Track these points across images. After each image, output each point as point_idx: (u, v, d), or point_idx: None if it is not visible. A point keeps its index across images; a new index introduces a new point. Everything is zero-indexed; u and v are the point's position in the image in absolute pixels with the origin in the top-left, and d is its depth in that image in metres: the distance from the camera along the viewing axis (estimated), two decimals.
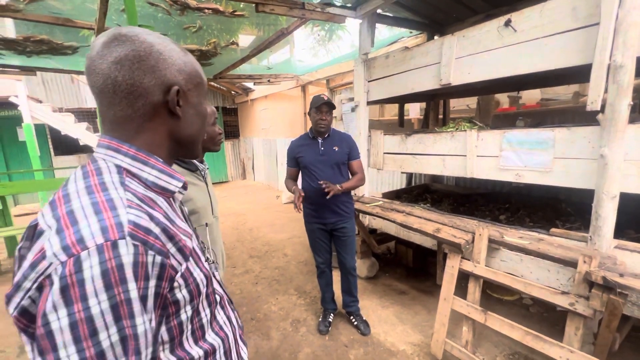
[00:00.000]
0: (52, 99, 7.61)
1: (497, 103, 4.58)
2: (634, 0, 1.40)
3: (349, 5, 2.86)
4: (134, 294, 0.43)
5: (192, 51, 3.69)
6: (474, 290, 1.90)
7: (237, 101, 9.71)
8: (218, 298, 0.69)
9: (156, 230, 0.49)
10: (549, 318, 2.49)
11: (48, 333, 0.39)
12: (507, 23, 1.92)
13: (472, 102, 4.54)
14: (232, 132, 10.02)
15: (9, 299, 0.44)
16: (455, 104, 5.03)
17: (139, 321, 0.44)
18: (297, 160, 2.29)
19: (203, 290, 0.60)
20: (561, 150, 1.77)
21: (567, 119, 3.20)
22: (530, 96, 4.40)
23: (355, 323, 2.49)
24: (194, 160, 1.24)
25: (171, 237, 0.52)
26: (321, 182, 2.05)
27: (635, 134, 1.48)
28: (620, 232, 2.07)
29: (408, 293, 2.99)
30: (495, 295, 2.81)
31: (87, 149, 7.61)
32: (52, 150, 7.81)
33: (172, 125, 0.60)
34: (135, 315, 0.43)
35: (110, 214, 0.46)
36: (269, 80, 6.16)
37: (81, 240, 0.42)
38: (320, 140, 2.23)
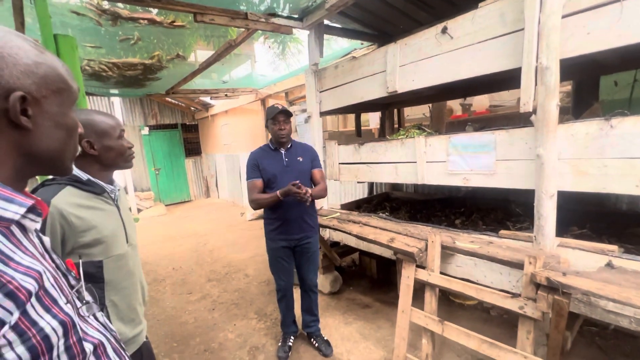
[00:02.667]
0: None
1: (450, 110, 4.76)
2: (552, 6, 1.45)
3: (295, 16, 2.82)
4: None
5: (134, 65, 3.48)
6: (430, 300, 1.84)
7: (197, 117, 9.40)
8: (90, 348, 0.54)
9: None
10: (508, 320, 2.50)
11: None
12: (444, 30, 1.96)
13: (427, 110, 4.68)
14: (194, 149, 9.64)
15: None
16: (411, 112, 5.16)
17: None
18: (260, 171, 2.06)
19: (57, 342, 0.47)
20: (502, 152, 1.79)
21: (514, 124, 3.35)
22: (481, 103, 4.64)
23: (317, 345, 2.34)
24: (98, 181, 1.07)
25: None
26: (296, 182, 1.86)
27: (565, 134, 1.52)
28: (565, 229, 2.13)
29: (372, 306, 2.90)
30: (457, 301, 2.80)
31: None
32: None
33: (17, 138, 0.49)
34: None
35: None
36: (226, 95, 6.00)
37: None
38: (282, 152, 2.10)
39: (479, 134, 1.91)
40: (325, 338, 2.38)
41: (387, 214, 2.98)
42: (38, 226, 0.58)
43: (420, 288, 1.95)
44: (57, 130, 0.53)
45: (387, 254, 2.57)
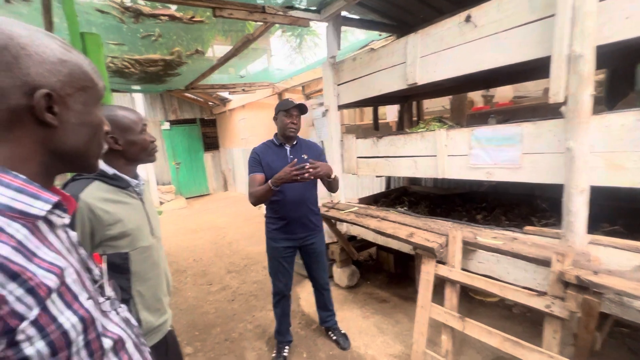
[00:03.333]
0: None
1: (471, 102, 4.61)
2: None
3: (312, 8, 2.79)
4: None
5: (155, 61, 3.55)
6: (450, 296, 1.81)
7: (215, 112, 9.54)
8: (110, 343, 0.56)
9: None
10: (531, 318, 2.43)
11: None
12: (467, 19, 1.88)
13: (447, 102, 4.55)
14: (212, 143, 9.81)
15: None
16: (431, 105, 5.04)
17: None
18: (262, 167, 1.98)
19: (76, 338, 0.48)
20: (529, 145, 1.72)
21: (540, 115, 3.21)
22: (503, 94, 4.46)
23: (334, 338, 2.36)
24: (124, 176, 1.10)
25: (14, 276, 0.41)
26: (311, 162, 1.69)
27: (599, 125, 1.44)
28: (596, 225, 2.03)
29: (389, 301, 2.88)
30: (478, 297, 2.74)
31: None
32: None
33: (44, 135, 0.50)
34: None
35: None
36: (243, 89, 6.05)
37: None
38: (287, 148, 2.04)
39: (503, 126, 1.84)
40: (342, 331, 2.39)
41: (405, 208, 2.94)
42: (66, 221, 0.59)
43: (439, 284, 1.92)
44: (82, 127, 0.54)
45: (405, 248, 2.54)
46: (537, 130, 1.68)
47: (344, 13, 2.95)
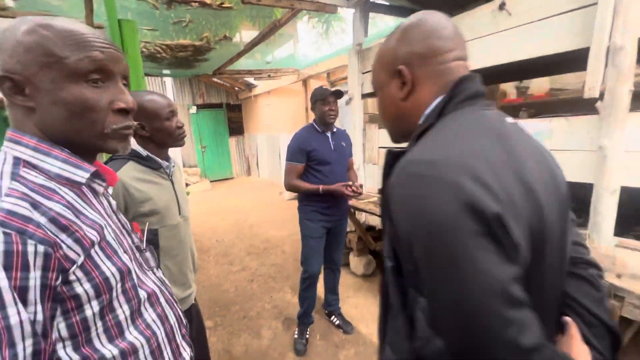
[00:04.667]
0: None
1: (503, 94, 4.41)
2: None
3: None
4: (3, 283, 0.42)
5: (185, 47, 3.65)
6: None
7: (241, 97, 9.69)
8: (144, 294, 0.64)
9: (40, 219, 0.47)
10: None
11: None
12: (502, 6, 1.80)
13: None
14: (237, 128, 10.01)
15: None
16: None
17: (11, 312, 0.42)
18: (308, 155, 2.00)
19: (115, 285, 0.56)
20: (559, 142, 1.65)
21: (577, 110, 3.04)
22: (539, 86, 4.21)
23: (337, 322, 2.44)
24: (156, 157, 1.18)
25: (64, 228, 0.49)
26: (347, 183, 1.92)
27: (636, 123, 1.36)
28: (628, 228, 1.94)
29: None
30: None
31: None
32: None
33: (33, 118, 0.53)
34: (6, 306, 0.42)
35: None
36: (269, 75, 6.10)
37: None
38: (329, 135, 2.08)
39: (533, 120, 1.77)
40: (344, 317, 2.47)
41: None
42: (109, 190, 0.68)
43: None
44: (57, 106, 0.52)
45: None
46: (569, 127, 1.60)
47: None
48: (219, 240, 4.60)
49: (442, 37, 0.59)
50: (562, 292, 0.61)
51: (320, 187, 1.96)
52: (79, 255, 0.51)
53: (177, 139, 1.22)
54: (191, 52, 3.89)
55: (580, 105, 1.51)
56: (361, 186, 1.97)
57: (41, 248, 0.45)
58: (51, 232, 0.48)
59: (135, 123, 0.64)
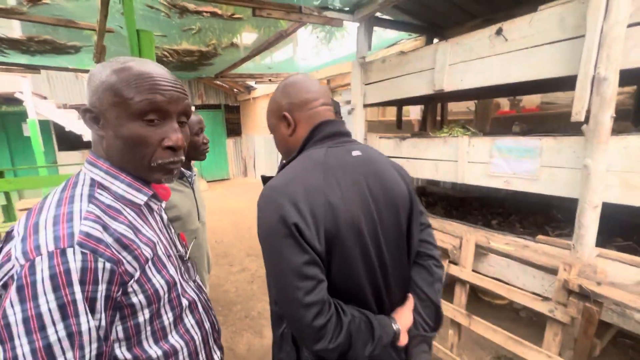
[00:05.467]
0: (56, 95, 7.71)
1: (497, 105, 4.58)
2: (618, 15, 1.42)
3: (346, 9, 2.88)
4: (79, 295, 0.49)
5: (192, 52, 3.74)
6: (460, 295, 1.94)
7: (240, 99, 9.76)
8: (186, 303, 0.73)
9: (108, 240, 0.55)
10: (537, 322, 2.52)
11: (6, 325, 0.47)
12: (499, 32, 1.95)
13: (472, 104, 4.55)
14: (234, 129, 10.07)
15: None
16: (455, 106, 5.05)
17: (82, 320, 0.50)
18: None
19: (163, 296, 0.65)
20: (548, 159, 1.80)
21: (565, 125, 3.21)
22: (531, 99, 4.40)
23: None
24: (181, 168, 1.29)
25: (125, 246, 0.58)
26: None
27: (618, 146, 1.51)
28: (609, 239, 2.10)
29: None
30: (486, 299, 2.85)
31: (90, 145, 7.70)
32: (56, 146, 7.93)
33: (102, 144, 0.64)
34: (79, 315, 0.50)
35: (65, 226, 0.52)
36: (270, 80, 6.20)
37: (37, 247, 0.50)
38: None
39: (524, 138, 1.91)
40: None
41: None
42: (162, 205, 0.78)
43: (449, 283, 2.04)
44: (116, 140, 0.61)
45: None
46: (558, 145, 1.75)
47: (377, 14, 3.02)
48: (218, 241, 4.67)
49: (310, 91, 0.84)
50: (408, 277, 0.89)
51: None
52: (136, 270, 0.59)
53: (201, 152, 1.33)
54: (197, 57, 3.98)
55: (569, 121, 1.64)
56: None
57: (108, 265, 0.53)
58: (116, 250, 0.56)
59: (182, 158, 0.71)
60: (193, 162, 1.48)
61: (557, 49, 1.68)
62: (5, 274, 0.49)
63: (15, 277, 0.48)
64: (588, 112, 1.55)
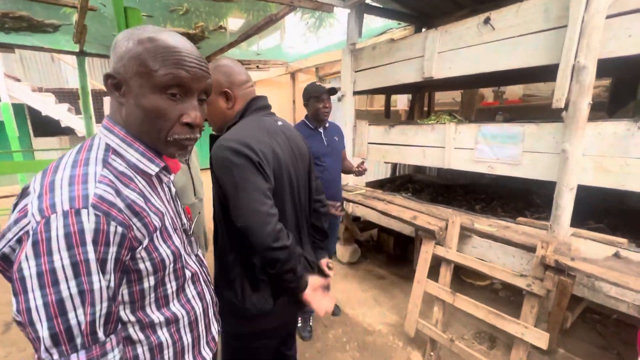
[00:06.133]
0: (30, 77, 7.35)
1: (481, 97, 4.71)
2: (598, 5, 1.49)
3: None
4: (91, 255, 0.51)
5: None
6: (445, 274, 2.03)
7: None
8: (189, 274, 0.75)
9: (121, 204, 0.57)
10: (515, 301, 2.68)
11: (21, 278, 0.48)
12: (487, 21, 2.00)
13: (457, 95, 4.65)
14: None
15: None
16: (441, 96, 5.15)
17: (95, 279, 0.52)
18: None
19: (169, 265, 0.67)
20: (529, 144, 1.89)
21: (547, 115, 3.35)
22: (514, 91, 4.55)
23: None
24: None
25: (136, 213, 0.59)
26: (335, 204, 2.12)
27: (593, 132, 1.61)
28: (583, 222, 2.24)
29: (387, 278, 3.13)
30: (468, 280, 2.98)
31: (69, 131, 7.42)
32: (31, 131, 7.59)
33: (121, 112, 0.64)
34: (92, 274, 0.51)
35: (80, 187, 0.54)
36: (257, 66, 6.11)
37: (53, 205, 0.51)
38: (321, 131, 2.19)
39: (508, 125, 2.00)
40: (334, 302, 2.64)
41: (409, 194, 3.14)
42: (171, 178, 0.79)
43: (434, 266, 2.13)
44: (136, 109, 0.62)
45: (407, 231, 2.76)
46: (539, 131, 1.84)
47: (367, 1, 3.03)
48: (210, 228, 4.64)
49: (243, 74, 1.08)
50: (308, 215, 1.23)
51: None
52: (144, 237, 0.60)
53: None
54: None
55: (550, 111, 1.73)
56: (363, 163, 2.32)
57: (120, 229, 0.55)
58: (127, 216, 0.57)
59: (198, 136, 0.72)
60: None
61: (542, 38, 1.75)
62: (21, 229, 0.50)
63: (31, 232, 0.49)
64: (567, 99, 1.64)
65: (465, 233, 2.11)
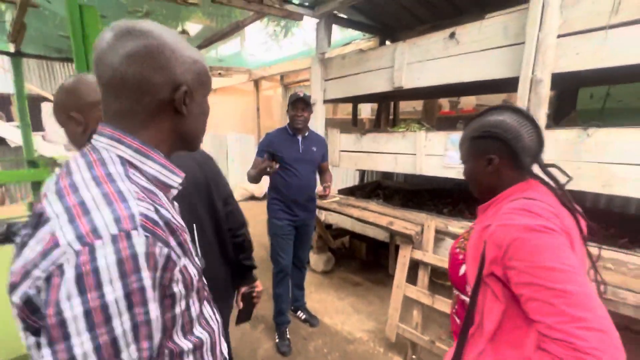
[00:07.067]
0: None
1: (439, 107, 5.03)
2: (551, 25, 1.67)
3: (306, 3, 2.89)
4: (147, 282, 0.45)
5: None
6: (423, 277, 2.09)
7: None
8: (205, 293, 0.69)
9: (161, 223, 0.50)
10: None
11: (60, 322, 0.40)
12: (452, 35, 2.14)
13: (418, 104, 4.91)
14: None
15: (14, 287, 0.43)
16: (403, 105, 5.40)
17: (151, 307, 0.46)
18: (272, 155, 2.09)
19: (195, 285, 0.61)
20: None
21: None
22: (468, 101, 4.93)
23: (304, 317, 2.56)
24: None
25: (173, 231, 0.54)
26: (326, 186, 2.20)
27: (550, 138, 1.77)
28: None
29: (362, 284, 3.16)
30: (439, 282, 3.11)
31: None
32: None
33: (176, 122, 0.59)
34: (147, 302, 0.45)
35: (122, 206, 0.46)
36: (219, 74, 5.93)
37: (95, 230, 0.43)
38: (299, 138, 2.17)
39: None
40: (310, 311, 2.60)
41: (381, 200, 3.21)
42: (179, 188, 0.71)
43: (410, 269, 2.19)
44: (201, 115, 0.63)
45: (381, 236, 2.81)
46: None
47: (335, 12, 3.09)
48: None
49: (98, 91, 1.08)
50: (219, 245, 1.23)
51: (259, 169, 2.01)
52: (179, 257, 0.54)
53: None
54: None
55: None
56: (326, 189, 2.29)
57: (165, 250, 0.49)
58: (167, 235, 0.51)
59: None
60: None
61: (503, 53, 1.91)
62: (53, 263, 0.42)
63: (68, 265, 0.41)
64: (528, 109, 1.79)
65: (439, 236, 2.19)
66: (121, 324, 0.43)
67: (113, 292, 0.42)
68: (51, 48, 4.23)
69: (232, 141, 7.31)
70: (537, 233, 0.65)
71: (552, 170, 0.82)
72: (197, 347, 0.62)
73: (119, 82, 0.52)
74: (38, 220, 0.47)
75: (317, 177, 2.39)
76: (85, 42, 1.86)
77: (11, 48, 3.96)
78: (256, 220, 4.43)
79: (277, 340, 2.32)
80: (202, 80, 0.61)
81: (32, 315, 0.44)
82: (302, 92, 2.11)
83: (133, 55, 0.51)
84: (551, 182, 0.78)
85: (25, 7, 2.60)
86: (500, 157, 0.79)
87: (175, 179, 0.61)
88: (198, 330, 0.63)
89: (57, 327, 0.40)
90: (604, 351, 0.55)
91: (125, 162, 0.54)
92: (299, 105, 2.09)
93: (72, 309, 0.40)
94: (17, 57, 4.31)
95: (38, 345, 0.45)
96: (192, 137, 0.64)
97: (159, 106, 0.56)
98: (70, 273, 0.41)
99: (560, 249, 0.64)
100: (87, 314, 0.40)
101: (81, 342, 0.40)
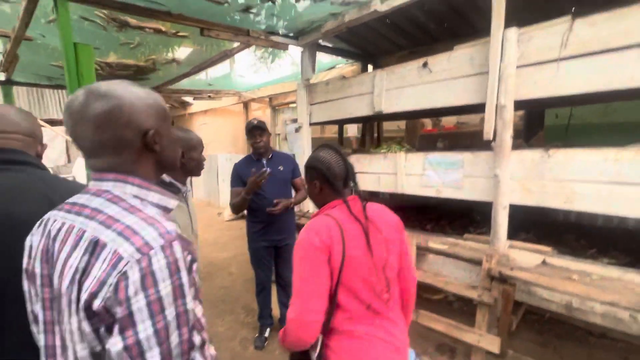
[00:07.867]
0: None
1: (422, 125, 5.23)
2: (510, 57, 1.85)
3: (291, 34, 3.08)
4: (184, 279, 0.60)
5: (129, 66, 3.52)
6: None
7: (174, 114, 9.27)
8: (200, 296, 0.79)
9: (184, 237, 0.64)
10: (468, 311, 2.91)
11: (130, 313, 0.53)
12: (424, 65, 2.32)
13: (402, 123, 5.11)
14: None
15: (94, 295, 0.54)
16: (388, 124, 5.60)
17: (188, 299, 0.60)
18: (243, 181, 2.20)
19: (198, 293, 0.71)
20: (468, 170, 2.18)
21: (477, 140, 3.85)
22: (449, 119, 5.16)
23: None
24: (177, 183, 1.32)
25: (188, 244, 0.65)
26: (276, 202, 2.15)
27: (517, 159, 1.92)
28: (515, 234, 2.58)
29: None
30: (425, 295, 3.18)
31: None
32: None
33: (155, 156, 0.71)
34: (185, 295, 0.60)
35: (159, 225, 0.60)
36: (209, 96, 6.08)
37: (147, 243, 0.57)
38: (264, 161, 2.27)
39: (450, 153, 2.28)
40: None
41: None
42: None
43: None
44: (171, 144, 0.74)
45: None
46: (475, 159, 2.14)
47: (319, 41, 3.28)
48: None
49: None
50: None
51: (242, 192, 2.07)
52: (195, 261, 0.66)
53: (201, 169, 1.40)
54: (133, 72, 3.75)
55: (479, 137, 2.03)
56: (276, 205, 2.17)
57: (189, 257, 0.62)
58: (187, 244, 0.63)
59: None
60: (188, 179, 1.53)
61: (470, 81, 2.08)
62: (119, 272, 0.54)
63: (131, 270, 0.54)
64: (495, 132, 1.95)
65: (421, 252, 2.29)
66: (170, 312, 0.56)
67: (165, 287, 0.56)
68: (42, 76, 4.32)
69: (222, 161, 7.39)
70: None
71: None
72: (202, 345, 0.71)
73: (98, 147, 0.64)
74: (94, 248, 0.58)
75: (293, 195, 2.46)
76: (80, 79, 1.96)
77: (2, 76, 4.03)
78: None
79: (256, 335, 2.53)
80: (162, 116, 0.70)
81: (94, 316, 0.55)
82: (255, 120, 2.20)
83: (101, 121, 0.62)
84: (348, 202, 1.00)
85: (19, 40, 2.70)
86: (320, 181, 1.04)
87: (173, 203, 0.73)
88: (203, 328, 0.73)
89: (127, 317, 0.53)
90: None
91: (136, 197, 0.66)
92: (256, 132, 2.19)
93: (138, 302, 0.53)
94: (7, 85, 4.38)
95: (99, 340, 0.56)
96: (170, 163, 0.76)
97: (137, 152, 0.67)
98: (135, 276, 0.54)
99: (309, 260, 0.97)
100: (149, 305, 0.54)
101: (145, 328, 0.53)
